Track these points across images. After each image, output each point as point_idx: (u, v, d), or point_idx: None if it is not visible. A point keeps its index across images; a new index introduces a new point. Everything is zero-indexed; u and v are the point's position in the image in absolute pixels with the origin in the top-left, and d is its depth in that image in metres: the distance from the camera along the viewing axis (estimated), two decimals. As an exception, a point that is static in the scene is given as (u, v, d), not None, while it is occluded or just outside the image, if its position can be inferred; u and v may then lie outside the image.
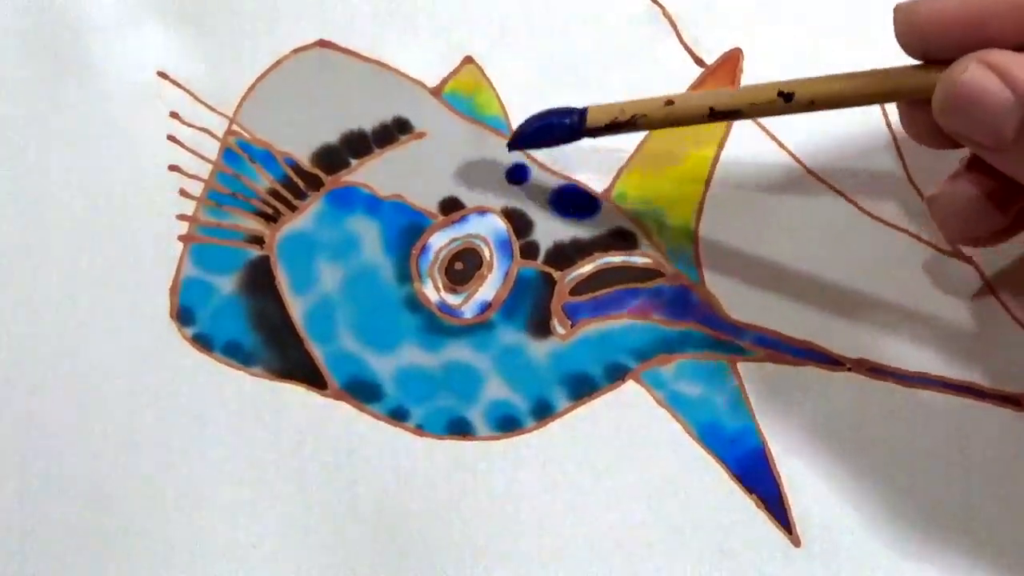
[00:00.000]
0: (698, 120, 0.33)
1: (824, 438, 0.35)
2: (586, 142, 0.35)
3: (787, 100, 0.32)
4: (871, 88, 0.31)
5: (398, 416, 0.36)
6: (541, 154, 0.37)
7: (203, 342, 0.36)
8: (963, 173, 0.32)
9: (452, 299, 0.36)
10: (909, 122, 0.32)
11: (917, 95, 0.30)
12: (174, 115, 0.38)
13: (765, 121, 0.36)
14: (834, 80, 0.31)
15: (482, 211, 0.37)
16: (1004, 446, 0.35)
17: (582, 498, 0.35)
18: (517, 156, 0.37)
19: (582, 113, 0.34)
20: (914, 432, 0.35)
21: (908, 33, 0.30)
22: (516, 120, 0.37)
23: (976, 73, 0.28)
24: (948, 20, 0.29)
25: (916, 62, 0.30)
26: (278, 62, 0.38)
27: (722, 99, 0.32)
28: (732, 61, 0.37)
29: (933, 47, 0.29)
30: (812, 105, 0.31)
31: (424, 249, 0.37)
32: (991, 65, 0.28)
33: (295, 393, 0.36)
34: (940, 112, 0.29)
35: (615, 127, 0.34)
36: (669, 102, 0.33)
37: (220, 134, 0.38)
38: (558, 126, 0.35)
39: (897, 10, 0.30)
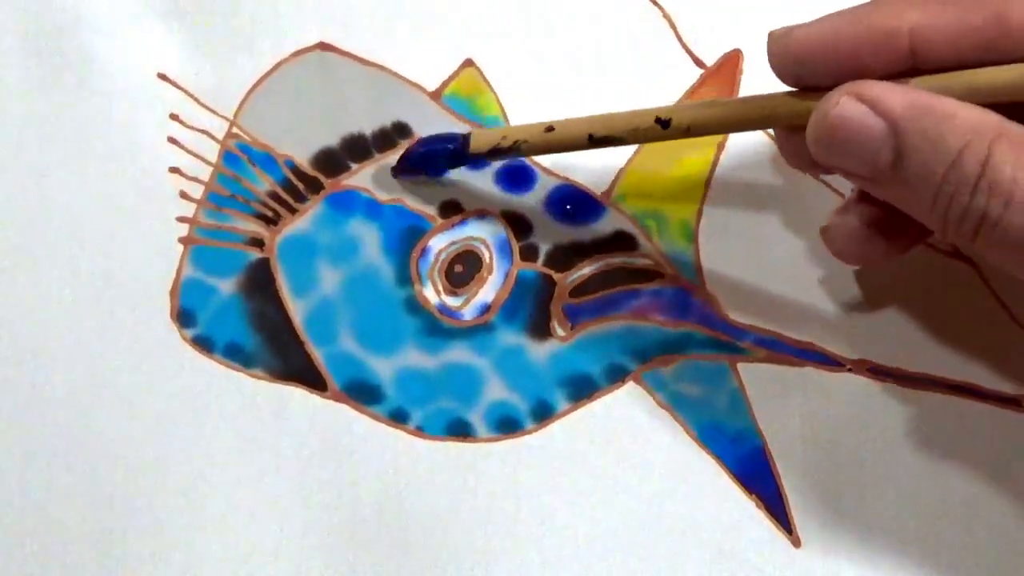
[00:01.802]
0: (579, 146, 0.33)
1: (824, 438, 0.35)
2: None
3: (664, 127, 0.32)
4: (746, 115, 0.31)
5: (398, 418, 0.36)
6: (541, 155, 0.37)
7: (203, 344, 0.36)
8: (852, 205, 0.32)
9: (452, 301, 0.36)
10: (787, 149, 0.32)
11: (793, 122, 0.30)
12: (174, 117, 0.38)
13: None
14: (711, 106, 0.32)
15: (482, 214, 0.37)
16: (1004, 446, 0.35)
17: (582, 498, 0.35)
18: (518, 157, 0.37)
19: (465, 138, 0.35)
20: (914, 432, 0.35)
21: (781, 60, 0.30)
22: (516, 121, 0.37)
23: (848, 106, 0.28)
24: (821, 48, 0.29)
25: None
26: (278, 65, 0.38)
27: (600, 126, 0.33)
28: (732, 62, 0.37)
29: (807, 74, 0.30)
30: (688, 132, 0.32)
31: (424, 252, 0.37)
32: (862, 97, 0.28)
33: (295, 395, 0.36)
34: (814, 144, 0.29)
35: (497, 152, 0.34)
36: (549, 128, 0.34)
37: (220, 136, 0.38)
38: (442, 151, 0.36)
39: (771, 36, 0.30)
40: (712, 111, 0.32)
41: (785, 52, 0.30)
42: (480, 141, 0.35)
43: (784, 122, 0.31)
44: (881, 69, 0.29)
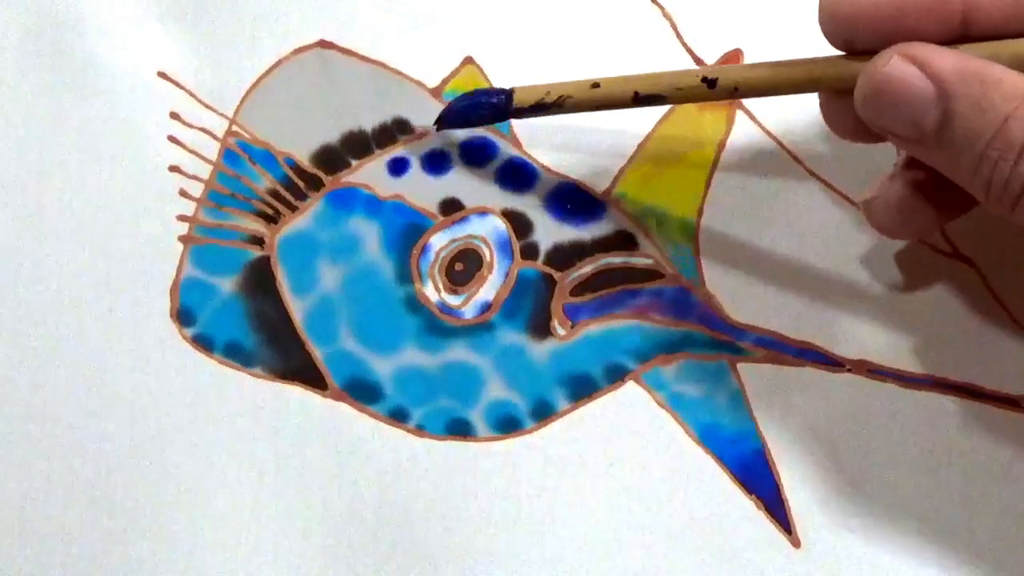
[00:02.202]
0: (623, 104, 0.33)
1: (824, 439, 0.35)
2: (587, 140, 0.35)
3: (711, 86, 0.32)
4: (794, 76, 0.31)
5: (398, 417, 0.36)
6: (542, 155, 0.37)
7: (203, 343, 0.36)
8: (899, 173, 0.32)
9: (452, 300, 0.36)
10: (831, 114, 0.32)
11: (840, 86, 0.30)
12: (174, 116, 0.38)
13: (765, 121, 0.36)
14: (758, 68, 0.32)
15: (482, 212, 0.37)
16: (1004, 447, 0.35)
17: (582, 498, 0.35)
18: (518, 156, 0.37)
19: (509, 93, 0.35)
20: (914, 433, 0.35)
21: (832, 23, 0.30)
22: (517, 120, 0.37)
23: (898, 66, 0.28)
24: (871, 12, 0.29)
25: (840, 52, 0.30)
26: (278, 62, 0.38)
27: (646, 83, 0.33)
28: (732, 62, 0.37)
29: (857, 38, 0.30)
30: (736, 92, 0.32)
31: (424, 250, 0.37)
32: (912, 58, 0.28)
33: (295, 394, 0.36)
34: (862, 104, 0.29)
35: (542, 108, 0.34)
36: (595, 85, 0.33)
37: (220, 134, 0.38)
38: (486, 105, 0.35)
39: (823, 1, 0.30)
40: (759, 72, 0.31)
41: (835, 16, 0.30)
42: (524, 96, 0.35)
43: (831, 85, 0.31)
44: (932, 35, 0.29)
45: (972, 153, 0.28)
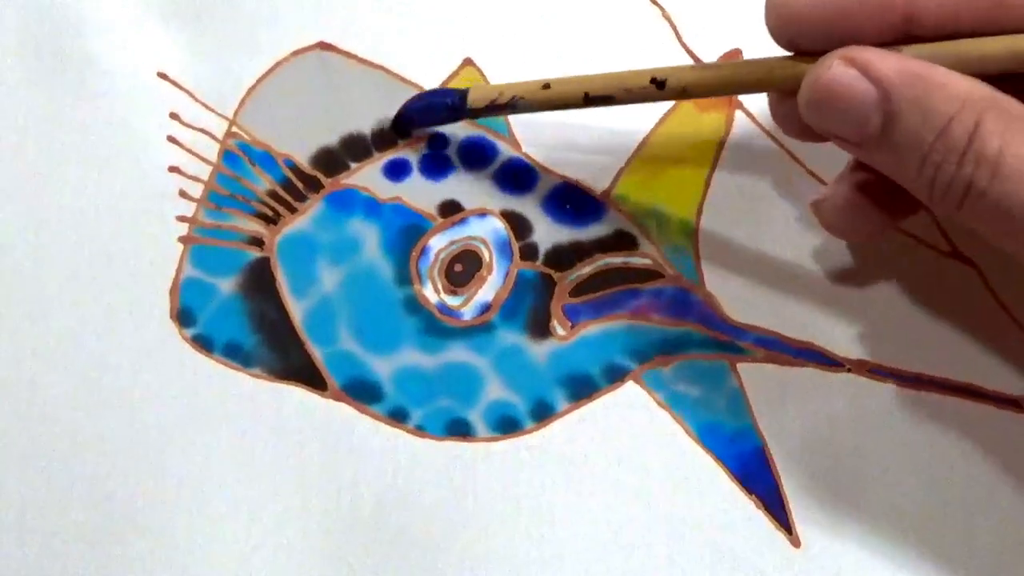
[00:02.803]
0: (575, 104, 0.33)
1: (824, 439, 0.35)
2: (586, 141, 0.35)
3: (660, 87, 0.32)
4: (743, 77, 0.31)
5: (398, 417, 0.36)
6: (541, 155, 0.37)
7: (203, 343, 0.36)
8: (846, 175, 0.32)
9: (452, 301, 0.36)
10: (780, 114, 0.33)
11: (788, 86, 0.30)
12: (174, 116, 0.38)
13: (765, 121, 0.36)
14: (707, 69, 0.32)
15: (481, 213, 0.37)
16: (1004, 447, 0.35)
17: (582, 498, 0.35)
18: (517, 157, 0.37)
19: (463, 94, 0.35)
20: (914, 433, 0.35)
21: (776, 24, 0.30)
22: (516, 122, 0.37)
23: (839, 70, 0.28)
24: (814, 13, 0.29)
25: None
26: (278, 64, 0.38)
27: (596, 85, 0.33)
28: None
29: (801, 39, 0.30)
30: (684, 93, 0.32)
31: (424, 251, 0.37)
32: (854, 61, 0.28)
33: (295, 394, 0.36)
34: (805, 108, 0.30)
35: (495, 108, 0.35)
36: (546, 86, 0.34)
37: (220, 135, 0.38)
38: (440, 106, 0.36)
39: (769, 1, 0.30)
40: (708, 73, 0.32)
41: (781, 16, 0.30)
42: (478, 96, 0.35)
43: (779, 85, 0.31)
44: (875, 36, 0.29)
45: (915, 155, 0.28)
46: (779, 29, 0.30)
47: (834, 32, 0.29)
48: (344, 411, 0.36)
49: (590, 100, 0.33)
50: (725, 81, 0.32)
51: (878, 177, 0.31)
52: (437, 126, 0.37)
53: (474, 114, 0.35)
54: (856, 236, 0.34)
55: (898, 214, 0.33)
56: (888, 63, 0.28)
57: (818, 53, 0.29)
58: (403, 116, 0.37)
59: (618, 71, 0.33)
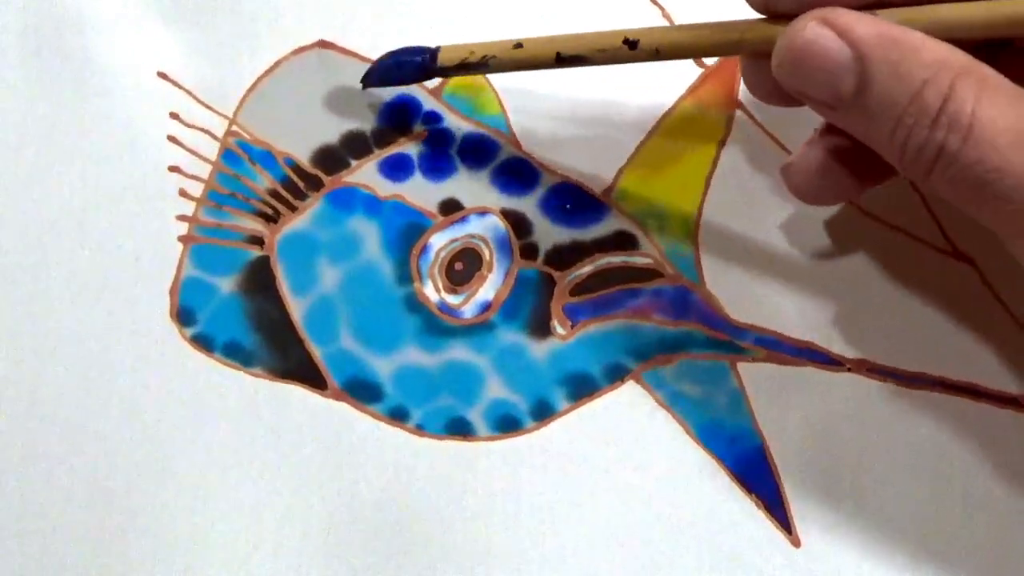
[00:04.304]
0: (547, 64, 0.33)
1: (824, 438, 0.35)
2: (586, 140, 0.35)
3: (632, 47, 0.32)
4: (716, 39, 0.31)
5: (398, 416, 0.36)
6: (541, 154, 0.37)
7: (203, 342, 0.36)
8: (816, 139, 0.32)
9: (452, 299, 0.36)
10: (752, 78, 0.33)
11: (761, 48, 0.30)
12: (174, 115, 0.38)
13: (765, 121, 0.36)
14: (680, 30, 0.32)
15: (482, 212, 0.37)
16: (1004, 446, 0.35)
17: (582, 498, 0.35)
18: (518, 155, 0.37)
19: (433, 52, 0.35)
20: (914, 432, 0.35)
21: None
22: (517, 121, 0.37)
23: (815, 31, 0.28)
24: None
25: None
26: (278, 62, 0.38)
27: (569, 44, 0.33)
28: (732, 61, 0.37)
29: (777, 2, 0.30)
30: (657, 54, 0.32)
31: (424, 249, 0.37)
32: (830, 23, 0.28)
33: (295, 393, 0.36)
34: (779, 69, 0.29)
35: (466, 67, 0.34)
36: (518, 45, 0.34)
37: (220, 134, 0.38)
38: (409, 64, 0.35)
39: None
40: (681, 34, 0.32)
41: None
42: (449, 55, 0.35)
43: (752, 48, 0.31)
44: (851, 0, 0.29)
45: (888, 119, 0.28)
46: None
47: None
48: (344, 410, 0.36)
49: (562, 60, 0.33)
50: (698, 42, 0.32)
51: (850, 142, 0.31)
52: (407, 84, 0.37)
53: (444, 72, 0.35)
54: (823, 201, 0.34)
55: (868, 180, 0.32)
56: (864, 25, 0.28)
57: (793, 16, 0.29)
58: (372, 73, 0.36)
59: (591, 31, 0.33)
